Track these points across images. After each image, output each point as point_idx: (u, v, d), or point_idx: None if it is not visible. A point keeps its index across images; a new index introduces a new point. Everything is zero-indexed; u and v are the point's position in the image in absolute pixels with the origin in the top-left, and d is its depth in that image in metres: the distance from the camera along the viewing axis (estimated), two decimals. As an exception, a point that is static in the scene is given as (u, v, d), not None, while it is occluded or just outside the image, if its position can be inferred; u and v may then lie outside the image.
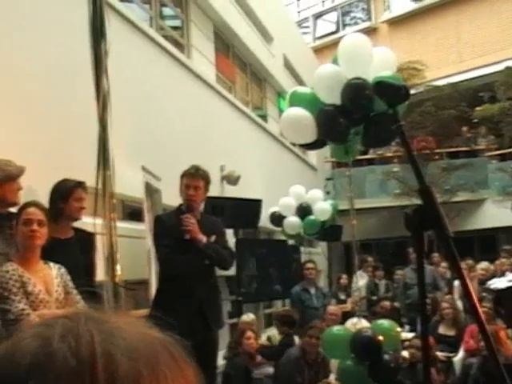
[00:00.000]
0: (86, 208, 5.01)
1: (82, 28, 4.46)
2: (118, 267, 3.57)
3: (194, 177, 5.90)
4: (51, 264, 4.24)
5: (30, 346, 0.62)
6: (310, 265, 10.35)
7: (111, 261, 3.57)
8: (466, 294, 1.85)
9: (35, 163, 5.05)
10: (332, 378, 6.98)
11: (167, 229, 5.80)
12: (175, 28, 10.35)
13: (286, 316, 8.58)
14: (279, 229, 11.97)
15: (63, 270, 4.27)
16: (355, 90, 5.73)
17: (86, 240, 5.05)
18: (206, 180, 5.99)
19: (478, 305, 1.80)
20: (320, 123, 5.97)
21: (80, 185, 4.92)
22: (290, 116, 6.40)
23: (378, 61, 5.89)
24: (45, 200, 4.82)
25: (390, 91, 2.01)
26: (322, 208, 11.80)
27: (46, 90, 5.68)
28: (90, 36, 3.71)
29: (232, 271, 7.75)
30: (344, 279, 12.86)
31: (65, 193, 4.86)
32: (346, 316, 8.65)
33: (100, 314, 0.69)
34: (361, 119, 5.88)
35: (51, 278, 4.19)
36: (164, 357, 0.66)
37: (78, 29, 4.93)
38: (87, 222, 5.10)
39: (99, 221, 4.51)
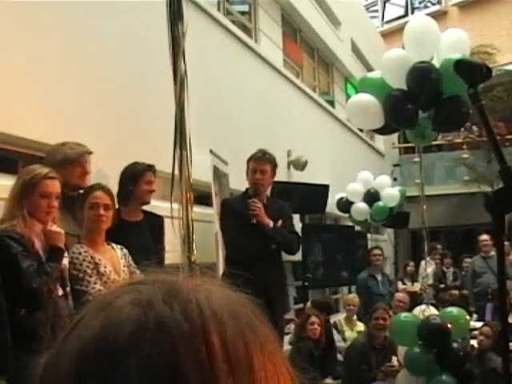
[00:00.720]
0: (155, 191, 5.07)
1: (160, 8, 4.49)
2: (195, 247, 3.59)
3: (261, 160, 5.90)
4: (114, 245, 4.30)
5: (131, 313, 0.60)
6: (376, 251, 10.27)
7: (188, 240, 3.59)
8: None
9: (107, 146, 5.14)
10: (394, 360, 6.92)
11: (234, 212, 5.83)
12: (243, 13, 10.35)
13: (323, 302, 8.54)
14: (346, 215, 11.89)
15: (125, 250, 4.34)
16: (420, 74, 5.64)
17: (155, 223, 5.11)
18: (273, 164, 5.98)
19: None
20: (387, 108, 5.89)
21: (150, 168, 4.97)
22: (356, 102, 6.37)
23: (451, 42, 5.79)
24: (115, 183, 4.89)
25: (471, 70, 1.95)
26: (391, 194, 11.65)
27: (120, 72, 5.75)
28: (168, 17, 3.71)
29: (298, 256, 7.73)
30: (411, 266, 12.73)
31: (135, 176, 4.91)
32: (414, 304, 8.55)
33: (178, 278, 0.68)
34: (431, 103, 5.77)
35: (117, 258, 4.26)
36: (254, 317, 0.66)
37: (155, 9, 4.97)
38: (157, 206, 5.17)
39: (174, 205, 4.57)
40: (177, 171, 3.79)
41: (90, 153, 4.53)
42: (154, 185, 5.03)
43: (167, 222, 5.11)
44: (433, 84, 5.59)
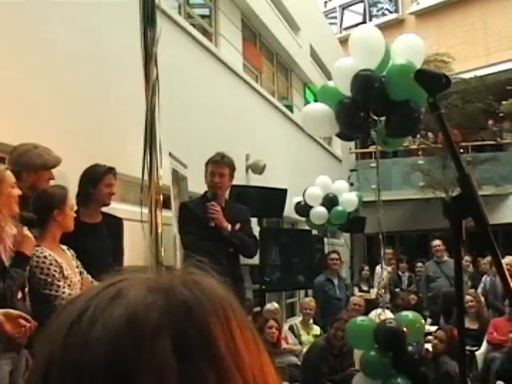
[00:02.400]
0: (115, 194, 5.05)
1: (133, 12, 4.50)
2: (163, 249, 3.61)
3: (220, 164, 5.93)
4: (63, 247, 4.28)
5: (154, 298, 0.63)
6: (334, 255, 10.38)
7: (156, 243, 3.62)
8: (504, 287, 1.84)
9: (69, 148, 5.11)
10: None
11: (193, 216, 5.84)
12: (203, 16, 10.35)
13: None
14: (303, 219, 11.96)
15: (73, 251, 4.32)
16: (362, 82, 5.78)
17: (114, 225, 5.10)
18: (231, 167, 6.01)
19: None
20: (338, 117, 5.99)
21: (110, 170, 4.96)
22: (311, 111, 6.56)
23: (405, 47, 5.92)
24: (75, 185, 4.87)
25: (431, 80, 2.00)
26: (349, 199, 11.79)
27: (84, 74, 5.72)
28: (141, 22, 3.73)
29: (255, 260, 7.76)
30: (366, 270, 12.86)
31: (95, 178, 4.89)
32: (369, 307, 8.64)
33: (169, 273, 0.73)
34: (381, 109, 5.88)
35: (70, 259, 4.26)
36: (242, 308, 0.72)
37: (127, 12, 4.97)
38: (116, 208, 5.15)
39: (136, 207, 4.57)
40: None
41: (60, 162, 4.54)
42: (114, 187, 5.02)
43: (132, 225, 5.10)
44: (376, 91, 5.71)
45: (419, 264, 13.20)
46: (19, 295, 3.73)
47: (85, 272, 4.28)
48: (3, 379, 3.56)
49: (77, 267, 4.25)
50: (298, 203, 11.67)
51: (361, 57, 5.87)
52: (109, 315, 0.62)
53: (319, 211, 11.48)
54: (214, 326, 0.63)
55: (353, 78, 5.77)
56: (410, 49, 5.93)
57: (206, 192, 6.06)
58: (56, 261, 4.02)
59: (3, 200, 3.64)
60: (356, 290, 11.93)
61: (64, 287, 3.98)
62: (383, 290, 9.88)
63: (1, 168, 3.79)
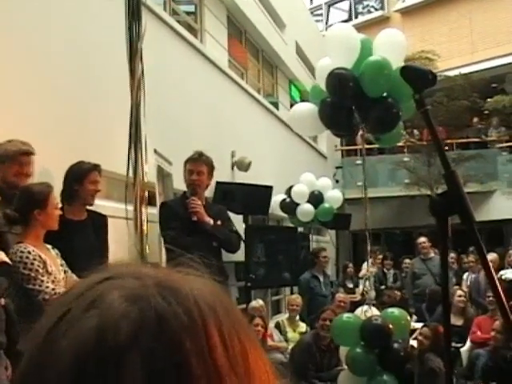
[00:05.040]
0: (100, 191, 5.03)
1: (118, 7, 4.47)
2: (147, 247, 3.60)
3: (197, 162, 6.00)
4: (47, 245, 4.25)
5: (128, 309, 0.58)
6: (324, 253, 10.39)
7: (141, 240, 3.61)
8: (491, 284, 1.84)
9: (54, 145, 5.07)
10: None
11: (174, 213, 5.88)
12: (189, 13, 10.32)
13: None
14: (287, 216, 11.97)
15: (56, 250, 4.30)
16: (335, 81, 5.84)
17: (99, 222, 5.07)
18: (210, 165, 6.06)
19: (504, 298, 1.79)
20: (321, 116, 6.03)
21: (95, 167, 4.92)
22: (297, 110, 6.67)
23: (387, 43, 5.96)
24: (59, 182, 4.83)
25: (417, 76, 2.00)
26: (334, 196, 11.85)
27: (70, 71, 5.69)
28: (126, 18, 3.71)
29: (241, 257, 7.75)
30: (350, 268, 12.88)
31: (80, 175, 4.85)
32: (355, 304, 8.65)
33: (160, 271, 0.67)
34: (362, 107, 5.92)
35: (55, 258, 4.23)
36: (233, 305, 0.67)
37: (113, 7, 4.93)
38: (101, 205, 5.12)
39: (121, 204, 4.54)
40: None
41: (31, 153, 4.42)
42: (99, 184, 4.98)
43: (117, 222, 5.08)
44: (351, 89, 5.75)
45: (407, 260, 13.21)
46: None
47: (69, 271, 4.25)
48: None
49: (61, 265, 4.23)
50: (283, 200, 11.67)
51: (337, 56, 5.94)
52: (81, 326, 0.58)
53: (306, 208, 11.51)
54: (190, 342, 0.58)
55: (327, 77, 5.81)
56: (392, 44, 5.96)
57: (185, 192, 6.12)
58: (40, 256, 4.00)
59: None
60: (341, 290, 11.93)
61: (48, 282, 3.95)
62: (369, 287, 9.91)
63: None
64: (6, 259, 3.70)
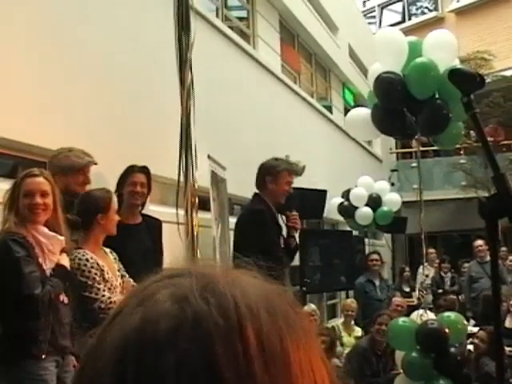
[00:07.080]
0: (140, 192, 5.02)
1: (168, 16, 4.53)
2: (199, 251, 3.65)
3: (296, 175, 6.06)
4: (106, 249, 4.32)
5: (169, 308, 0.59)
6: (374, 256, 10.28)
7: (192, 245, 3.66)
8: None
9: (108, 152, 5.16)
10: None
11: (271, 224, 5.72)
12: (241, 18, 10.38)
13: None
14: (342, 220, 11.92)
15: (115, 254, 4.36)
16: (383, 84, 5.82)
17: (153, 226, 5.13)
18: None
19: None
20: (374, 120, 6.01)
21: (132, 168, 4.97)
22: (353, 115, 6.70)
23: (437, 43, 5.89)
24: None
25: (464, 79, 1.99)
26: (392, 199, 11.74)
27: (123, 78, 5.80)
28: (175, 27, 3.78)
29: (296, 261, 7.75)
30: (407, 272, 12.74)
31: (121, 178, 4.96)
32: (412, 310, 8.56)
33: (215, 271, 0.67)
34: (412, 109, 5.88)
35: (112, 263, 4.29)
36: (291, 308, 0.65)
37: (162, 16, 5.01)
38: (155, 210, 5.19)
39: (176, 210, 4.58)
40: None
41: (95, 163, 4.53)
42: (141, 186, 4.99)
43: (170, 227, 5.13)
44: (399, 92, 5.71)
45: (466, 264, 12.97)
46: (65, 300, 3.78)
47: (126, 275, 4.31)
48: (51, 381, 3.61)
49: (118, 270, 4.28)
50: (341, 204, 11.61)
51: (386, 59, 5.92)
52: (128, 320, 0.61)
53: (365, 212, 11.40)
54: (222, 345, 0.57)
55: (374, 81, 5.80)
56: (442, 45, 5.91)
57: (263, 200, 5.80)
58: (97, 264, 4.06)
59: (19, 207, 3.69)
60: (398, 294, 11.80)
61: (104, 290, 4.01)
62: (425, 291, 9.79)
63: (23, 172, 3.83)
64: (64, 263, 3.78)
